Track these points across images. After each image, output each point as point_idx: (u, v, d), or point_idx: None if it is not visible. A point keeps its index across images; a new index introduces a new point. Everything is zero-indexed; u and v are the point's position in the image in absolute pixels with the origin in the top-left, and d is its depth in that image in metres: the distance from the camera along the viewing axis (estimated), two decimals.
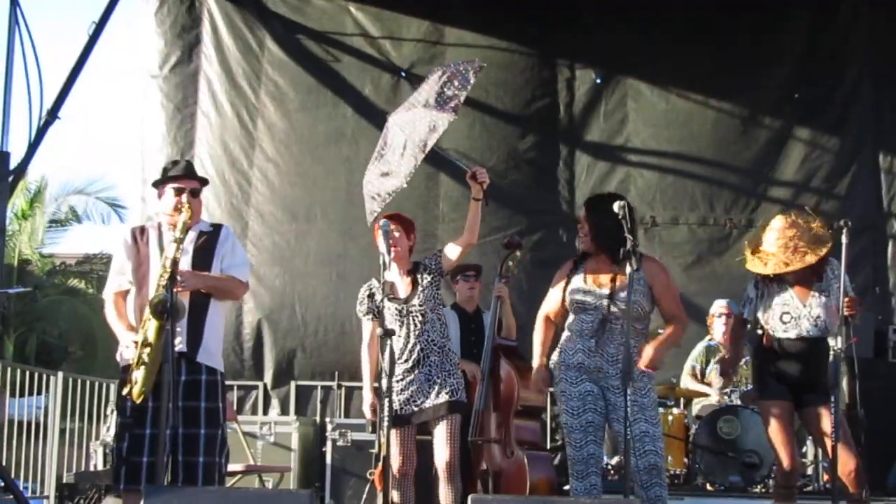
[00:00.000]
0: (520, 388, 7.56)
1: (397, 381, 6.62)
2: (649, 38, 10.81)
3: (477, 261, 8.91)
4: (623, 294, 6.14)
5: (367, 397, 6.85)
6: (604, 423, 6.24)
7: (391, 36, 11.28)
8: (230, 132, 11.26)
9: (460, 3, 11.21)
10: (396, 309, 6.73)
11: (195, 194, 6.20)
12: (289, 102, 11.28)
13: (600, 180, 10.92)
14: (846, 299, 6.43)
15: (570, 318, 6.40)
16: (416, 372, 6.68)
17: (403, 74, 11.17)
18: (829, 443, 6.43)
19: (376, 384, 6.79)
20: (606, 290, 6.23)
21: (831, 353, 6.41)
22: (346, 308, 10.69)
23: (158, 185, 6.29)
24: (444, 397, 6.65)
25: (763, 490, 8.40)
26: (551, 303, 6.53)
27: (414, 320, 6.71)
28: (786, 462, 6.66)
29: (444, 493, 6.72)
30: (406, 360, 6.69)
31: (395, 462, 6.67)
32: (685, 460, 8.78)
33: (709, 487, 8.53)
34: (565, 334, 6.44)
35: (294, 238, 11.11)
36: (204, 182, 6.42)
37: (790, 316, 6.64)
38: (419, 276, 6.77)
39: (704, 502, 8.35)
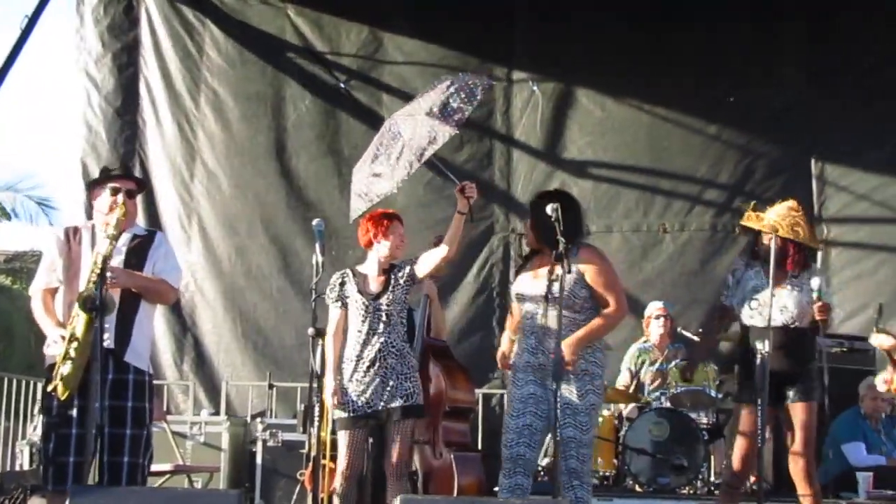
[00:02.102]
0: (448, 389, 7.57)
1: (350, 381, 6.59)
2: (587, 47, 10.87)
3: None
4: (556, 286, 6.13)
5: (330, 385, 6.69)
6: (544, 426, 6.19)
7: (330, 43, 11.29)
8: (171, 142, 11.23)
9: (399, 11, 11.22)
10: (363, 303, 6.64)
11: (131, 195, 6.15)
12: (228, 112, 11.25)
13: (537, 189, 10.90)
14: (819, 304, 6.53)
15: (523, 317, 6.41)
16: (372, 373, 6.57)
17: (342, 85, 11.18)
18: (796, 439, 6.60)
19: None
20: (543, 283, 6.22)
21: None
22: (286, 322, 10.72)
23: (95, 185, 6.26)
24: (398, 402, 6.57)
25: (691, 492, 8.45)
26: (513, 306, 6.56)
27: (378, 319, 6.62)
28: (735, 463, 6.74)
29: (391, 494, 6.65)
30: (362, 359, 6.60)
31: (342, 463, 6.60)
32: (615, 461, 8.82)
33: (638, 489, 8.55)
34: (518, 336, 6.45)
35: (235, 253, 11.07)
36: (141, 184, 6.39)
37: (757, 303, 6.65)
38: (392, 277, 6.71)
39: (633, 503, 8.40)
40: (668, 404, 8.80)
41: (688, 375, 7.92)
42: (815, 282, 6.61)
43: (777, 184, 10.48)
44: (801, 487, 6.64)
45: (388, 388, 6.57)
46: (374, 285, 6.72)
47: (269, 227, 11.10)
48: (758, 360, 6.46)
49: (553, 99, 11.08)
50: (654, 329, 9.47)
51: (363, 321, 6.64)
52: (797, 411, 6.61)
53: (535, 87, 11.08)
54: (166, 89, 11.22)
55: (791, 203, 6.90)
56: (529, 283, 6.32)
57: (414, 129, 6.68)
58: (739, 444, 6.71)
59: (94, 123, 11.18)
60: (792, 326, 6.65)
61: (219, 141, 11.22)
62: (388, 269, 6.75)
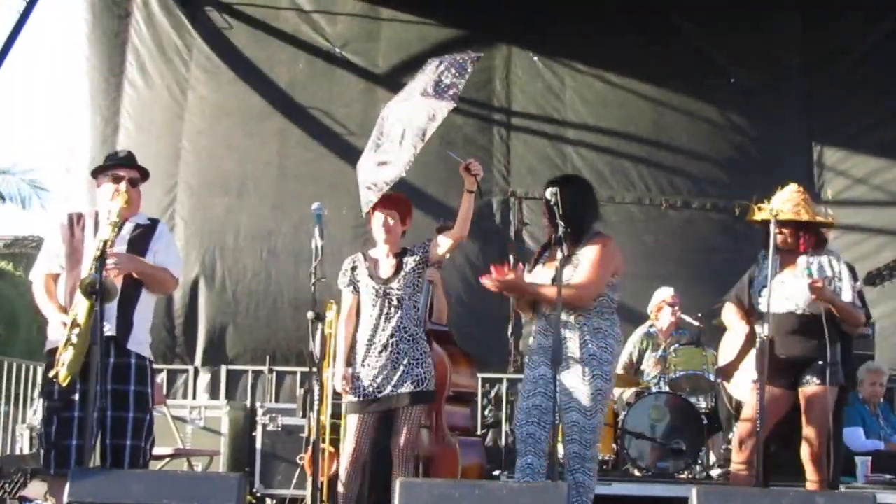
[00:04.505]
0: (451, 374, 7.57)
1: (363, 365, 6.57)
2: (587, 20, 10.82)
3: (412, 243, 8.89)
4: (564, 276, 6.10)
5: (339, 370, 6.69)
6: (552, 406, 6.16)
7: (325, 11, 11.18)
8: (158, 103, 11.15)
9: None
10: (374, 288, 6.61)
11: (134, 184, 6.16)
12: (221, 75, 11.18)
13: (537, 158, 10.91)
14: (810, 281, 6.54)
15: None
16: (384, 357, 6.54)
17: (338, 51, 11.08)
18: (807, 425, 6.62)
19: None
20: (551, 272, 6.19)
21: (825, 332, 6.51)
22: (277, 284, 10.67)
23: (98, 173, 6.24)
24: (408, 387, 6.54)
25: (690, 476, 8.47)
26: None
27: (389, 303, 6.59)
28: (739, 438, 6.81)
29: (397, 476, 6.61)
30: (374, 344, 6.57)
31: (348, 447, 6.60)
32: (614, 446, 8.82)
33: (637, 473, 8.57)
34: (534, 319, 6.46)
35: (224, 212, 10.98)
36: (144, 173, 6.33)
37: (766, 290, 6.63)
38: (404, 261, 6.67)
39: (632, 487, 8.39)
40: (667, 388, 8.81)
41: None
42: (802, 260, 6.66)
43: (777, 167, 10.46)
44: (810, 473, 6.68)
45: (400, 373, 6.55)
46: (385, 270, 6.69)
47: (260, 187, 11.04)
48: (756, 345, 6.46)
49: (554, 69, 11.04)
50: (665, 316, 9.33)
51: (374, 305, 6.62)
52: (808, 395, 6.66)
53: (535, 58, 11.01)
54: (157, 55, 11.16)
55: (793, 186, 6.92)
56: (543, 271, 6.32)
57: (412, 112, 6.65)
58: (748, 422, 6.75)
59: (81, 90, 11.14)
60: (798, 313, 6.67)
61: (209, 103, 11.16)
62: (401, 254, 6.72)
